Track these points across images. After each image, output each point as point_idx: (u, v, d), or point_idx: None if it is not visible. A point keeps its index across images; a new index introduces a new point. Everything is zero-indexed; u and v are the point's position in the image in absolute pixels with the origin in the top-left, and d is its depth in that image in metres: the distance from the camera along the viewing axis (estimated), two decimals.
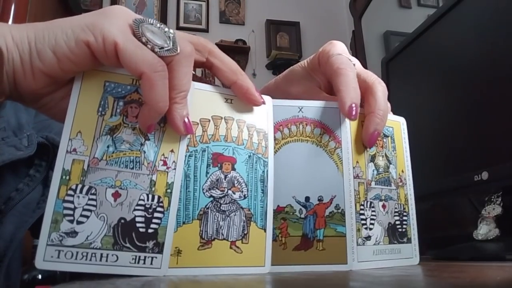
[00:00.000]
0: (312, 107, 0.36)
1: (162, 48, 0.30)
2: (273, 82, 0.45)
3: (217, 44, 2.52)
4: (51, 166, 0.50)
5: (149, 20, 0.31)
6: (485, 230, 0.54)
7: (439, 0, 1.80)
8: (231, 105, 0.34)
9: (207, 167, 0.32)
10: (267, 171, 0.33)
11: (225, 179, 0.32)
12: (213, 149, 0.32)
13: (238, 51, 2.56)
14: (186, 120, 0.31)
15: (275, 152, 0.35)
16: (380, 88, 0.38)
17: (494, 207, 0.54)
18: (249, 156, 0.33)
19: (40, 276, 0.93)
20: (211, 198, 0.31)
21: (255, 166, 0.33)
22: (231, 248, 0.31)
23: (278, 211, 0.33)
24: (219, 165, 0.32)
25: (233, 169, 0.32)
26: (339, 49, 0.39)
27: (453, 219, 0.83)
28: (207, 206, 0.31)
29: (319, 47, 0.41)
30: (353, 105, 0.35)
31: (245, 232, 0.31)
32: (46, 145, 0.50)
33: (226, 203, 0.31)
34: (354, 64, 0.38)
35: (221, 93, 0.34)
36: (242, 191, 0.32)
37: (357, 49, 2.17)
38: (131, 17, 0.30)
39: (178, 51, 0.30)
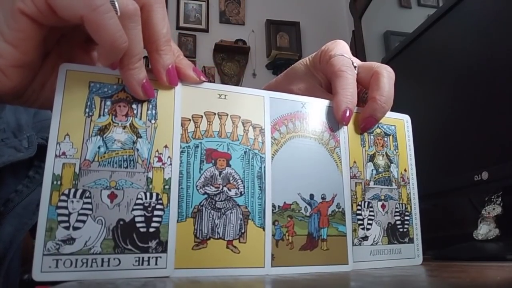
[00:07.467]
0: (314, 104, 0.36)
1: None
2: (274, 81, 0.45)
3: (217, 44, 2.53)
4: None
5: None
6: (485, 230, 0.54)
7: (439, 0, 1.80)
8: (225, 101, 0.33)
9: (200, 163, 0.30)
10: (264, 167, 0.32)
11: (219, 176, 0.31)
12: (206, 145, 0.31)
13: (238, 51, 2.57)
14: (145, 82, 0.29)
15: (281, 146, 0.34)
16: (386, 74, 0.37)
17: (494, 207, 0.54)
18: (245, 152, 0.32)
19: None
20: (206, 195, 0.30)
21: (251, 162, 0.32)
22: (227, 248, 0.29)
23: (284, 208, 0.32)
24: (213, 161, 0.31)
25: (228, 165, 0.31)
26: (342, 49, 0.38)
27: (453, 219, 0.83)
28: (201, 204, 0.30)
29: (319, 47, 0.40)
30: (347, 110, 0.35)
31: (243, 231, 0.30)
32: (46, 147, 0.49)
33: (221, 201, 0.30)
34: (355, 66, 0.38)
35: (214, 89, 0.33)
36: (238, 188, 0.31)
37: (357, 49, 2.17)
38: None
39: (119, 13, 0.26)
